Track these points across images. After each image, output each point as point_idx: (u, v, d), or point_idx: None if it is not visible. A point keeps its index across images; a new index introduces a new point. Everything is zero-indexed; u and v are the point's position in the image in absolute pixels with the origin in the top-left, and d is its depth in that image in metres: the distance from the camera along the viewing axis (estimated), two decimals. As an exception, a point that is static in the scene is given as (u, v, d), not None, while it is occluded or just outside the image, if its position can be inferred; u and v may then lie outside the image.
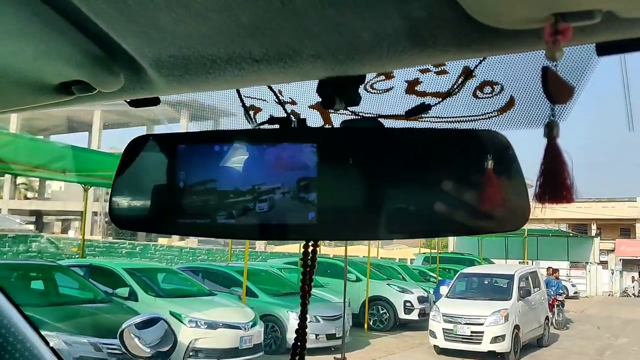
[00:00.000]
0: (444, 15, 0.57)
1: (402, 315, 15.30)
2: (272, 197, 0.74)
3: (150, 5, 0.59)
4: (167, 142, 0.80)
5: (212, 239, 33.03)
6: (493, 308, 11.88)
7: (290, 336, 11.03)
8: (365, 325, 14.88)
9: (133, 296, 9.24)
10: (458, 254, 27.87)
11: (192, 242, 29.87)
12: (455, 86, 0.77)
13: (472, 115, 0.78)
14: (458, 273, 14.34)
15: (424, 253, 27.83)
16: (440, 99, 0.78)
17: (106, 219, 41.87)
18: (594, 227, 46.01)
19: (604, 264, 38.07)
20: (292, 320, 11.01)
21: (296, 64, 0.70)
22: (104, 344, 6.79)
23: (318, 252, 0.88)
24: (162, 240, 31.15)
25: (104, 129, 35.10)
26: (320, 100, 0.74)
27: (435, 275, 20.25)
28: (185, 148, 0.78)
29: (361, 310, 15.08)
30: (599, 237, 39.17)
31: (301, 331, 0.91)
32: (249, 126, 0.87)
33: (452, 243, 36.33)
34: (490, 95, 0.78)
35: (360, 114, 0.79)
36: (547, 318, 14.20)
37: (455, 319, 11.92)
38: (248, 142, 0.77)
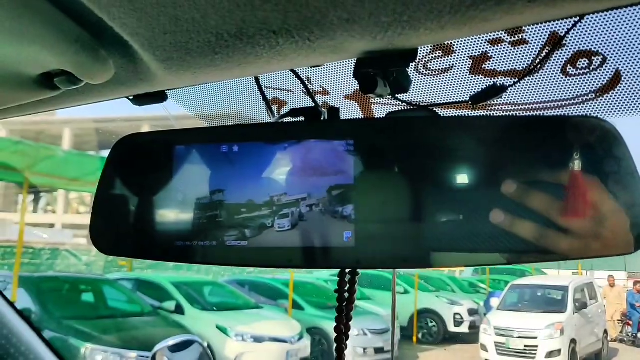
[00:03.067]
0: None
1: (451, 328, 14.94)
2: (295, 212, 0.59)
3: None
4: (163, 143, 0.65)
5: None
6: (547, 321, 11.45)
7: (338, 350, 10.88)
8: (414, 338, 14.57)
9: (179, 310, 9.27)
10: (508, 264, 27.17)
11: (238, 254, 30.04)
12: (537, 61, 0.59)
13: (562, 100, 0.60)
14: (509, 284, 13.93)
15: (473, 264, 27.22)
16: (518, 79, 0.61)
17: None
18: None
19: (664, 273, 36.45)
20: (339, 334, 10.86)
21: (325, 35, 0.54)
22: (141, 356, 6.80)
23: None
24: (209, 253, 31.43)
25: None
26: (359, 86, 0.58)
27: (485, 287, 19.76)
28: (184, 150, 0.63)
29: (410, 323, 14.79)
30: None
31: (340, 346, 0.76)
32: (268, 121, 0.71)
33: (502, 253, 35.47)
34: (588, 70, 0.59)
35: (410, 103, 0.63)
36: (605, 332, 13.61)
37: (507, 332, 11.54)
38: (265, 140, 0.61)
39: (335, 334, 0.73)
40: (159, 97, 0.72)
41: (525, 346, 11.36)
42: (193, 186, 0.61)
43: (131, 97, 0.73)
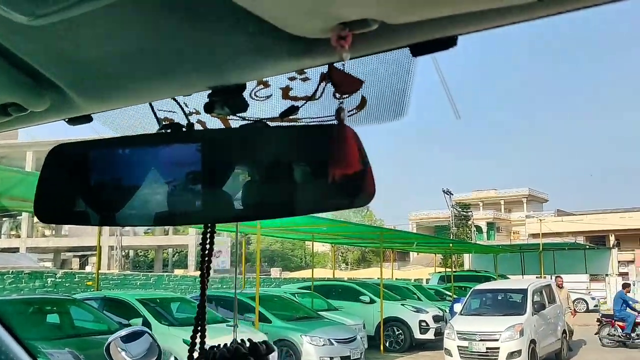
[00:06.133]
0: (262, 33, 0.72)
1: (417, 335, 15.21)
2: (166, 190, 0.89)
3: (54, 35, 0.75)
4: (82, 149, 0.95)
5: (227, 267, 33.26)
6: (507, 323, 11.76)
7: (305, 359, 11.07)
8: (382, 347, 14.80)
9: (147, 326, 9.34)
10: (474, 271, 27.66)
11: (207, 271, 29.88)
12: (317, 90, 0.89)
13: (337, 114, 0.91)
14: (471, 290, 14.20)
15: (439, 272, 27.67)
16: (306, 101, 0.92)
17: (123, 253, 42.22)
18: (612, 238, 45.44)
19: (624, 275, 37.46)
20: (305, 344, 11.04)
21: (182, 78, 0.86)
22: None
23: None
24: (178, 271, 31.25)
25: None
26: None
27: (450, 294, 20.12)
28: (97, 152, 0.94)
29: (377, 331, 15.03)
30: (616, 248, 38.62)
31: (201, 310, 1.03)
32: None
33: (468, 261, 36.06)
34: (347, 96, 0.89)
35: (250, 119, 0.94)
36: (564, 332, 14.02)
37: (470, 336, 11.82)
38: (149, 145, 0.93)
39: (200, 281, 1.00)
40: (87, 119, 1.03)
41: (487, 349, 11.64)
42: (103, 176, 0.93)
43: (67, 120, 1.04)
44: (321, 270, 35.38)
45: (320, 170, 0.82)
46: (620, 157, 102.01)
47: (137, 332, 1.96)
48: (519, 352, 11.47)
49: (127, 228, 43.17)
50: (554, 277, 24.51)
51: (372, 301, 15.64)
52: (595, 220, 46.11)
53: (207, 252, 1.02)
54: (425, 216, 60.53)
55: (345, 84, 0.75)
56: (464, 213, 51.58)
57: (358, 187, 0.80)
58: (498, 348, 11.52)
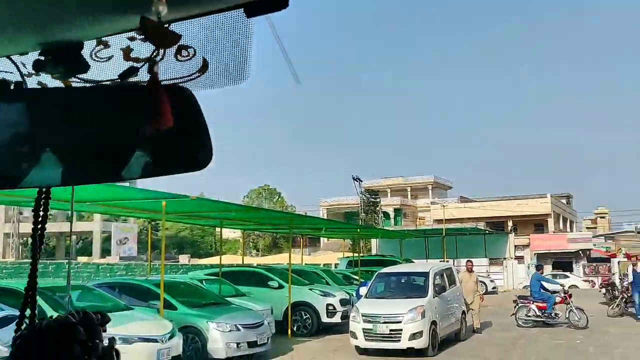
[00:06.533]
0: None
1: (325, 319, 15.46)
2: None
3: None
4: None
5: (133, 254, 32.38)
6: (410, 305, 12.16)
7: (212, 346, 10.96)
8: (289, 331, 14.92)
9: (43, 316, 8.90)
10: (380, 256, 28.37)
11: (112, 258, 28.98)
12: (156, 51, 0.84)
13: (180, 77, 0.87)
14: (376, 273, 14.55)
15: (348, 257, 28.17)
16: (145, 63, 0.86)
17: (21, 241, 39.98)
18: (509, 223, 47.95)
19: (520, 258, 39.71)
20: (212, 331, 10.95)
21: (10, 35, 0.81)
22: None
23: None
24: (82, 259, 30.04)
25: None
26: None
27: (357, 278, 20.53)
28: None
29: (285, 316, 15.12)
30: (513, 233, 40.79)
31: (31, 281, 0.99)
32: None
33: (375, 246, 36.94)
34: (188, 58, 0.86)
35: (92, 80, 0.89)
36: (463, 312, 14.65)
37: (374, 319, 12.12)
38: None
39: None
40: None
41: (391, 330, 11.99)
42: None
43: None
44: (232, 257, 35.11)
45: (142, 132, 0.79)
46: (519, 147, 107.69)
47: (11, 317, 1.85)
48: (421, 333, 11.90)
49: (25, 214, 40.83)
50: (455, 261, 25.59)
51: (280, 286, 15.70)
52: (495, 207, 48.47)
53: (40, 219, 0.97)
54: (336, 202, 61.36)
55: (160, 38, 0.73)
56: (373, 199, 52.72)
57: (187, 151, 0.78)
58: (401, 330, 11.90)
